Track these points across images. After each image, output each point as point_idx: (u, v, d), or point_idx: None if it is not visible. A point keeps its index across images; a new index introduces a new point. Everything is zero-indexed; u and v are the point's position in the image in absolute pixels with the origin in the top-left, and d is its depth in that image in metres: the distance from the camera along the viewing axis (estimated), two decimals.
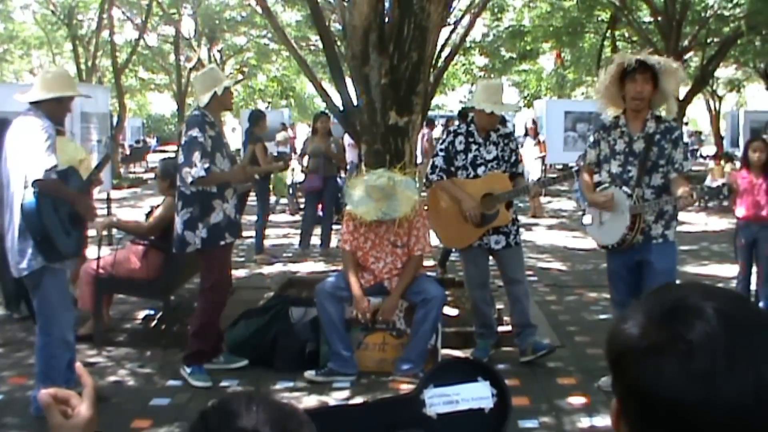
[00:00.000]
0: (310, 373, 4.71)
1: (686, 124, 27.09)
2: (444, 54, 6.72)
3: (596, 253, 9.03)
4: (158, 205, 5.64)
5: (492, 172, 4.91)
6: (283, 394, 4.47)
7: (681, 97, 15.56)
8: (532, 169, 12.74)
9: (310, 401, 4.37)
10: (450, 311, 5.66)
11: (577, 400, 4.35)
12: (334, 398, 4.44)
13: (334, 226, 8.92)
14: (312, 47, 24.13)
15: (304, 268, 8.36)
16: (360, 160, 6.14)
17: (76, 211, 4.02)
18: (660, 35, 17.03)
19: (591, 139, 4.61)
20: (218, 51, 30.08)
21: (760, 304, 5.65)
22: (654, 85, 4.18)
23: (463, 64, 28.97)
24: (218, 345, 4.96)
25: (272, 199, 10.98)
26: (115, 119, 18.47)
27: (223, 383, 4.67)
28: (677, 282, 1.72)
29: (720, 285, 0.91)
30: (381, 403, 3.80)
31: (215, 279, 4.72)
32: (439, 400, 3.10)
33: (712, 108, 28.27)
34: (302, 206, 10.92)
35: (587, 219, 4.54)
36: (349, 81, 6.23)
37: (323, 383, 4.64)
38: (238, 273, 7.58)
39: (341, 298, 4.78)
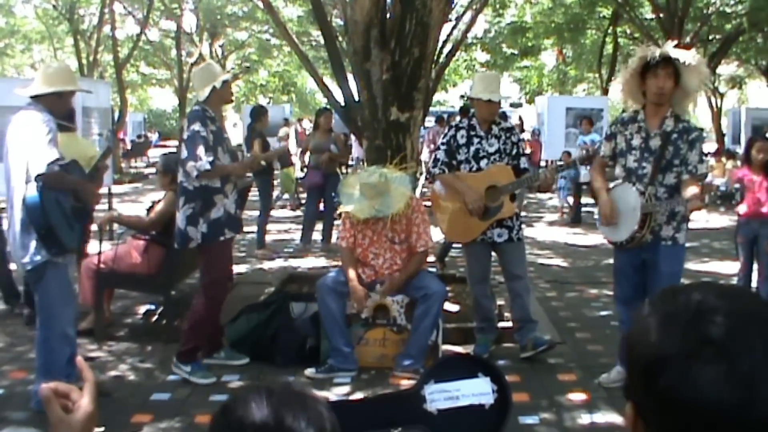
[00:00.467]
0: (310, 371, 4.72)
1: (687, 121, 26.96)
2: (445, 50, 6.71)
3: (597, 249, 9.06)
4: (159, 200, 5.64)
5: (495, 164, 4.90)
6: None
7: None
8: None
9: None
10: (451, 307, 5.67)
11: (577, 397, 4.35)
12: (335, 393, 4.44)
13: (336, 222, 8.93)
14: (313, 43, 24.14)
15: (305, 263, 8.37)
16: None
17: (78, 205, 4.03)
18: (662, 32, 16.97)
19: (607, 132, 4.58)
20: (220, 46, 30.07)
21: None
22: (676, 82, 4.10)
23: (465, 60, 28.94)
24: (218, 340, 4.97)
25: (275, 193, 10.97)
26: (116, 114, 18.47)
27: (224, 378, 4.68)
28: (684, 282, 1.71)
29: (721, 282, 0.91)
30: (381, 399, 3.80)
31: (215, 274, 4.71)
32: (440, 396, 3.10)
33: (714, 105, 28.22)
34: (303, 202, 10.93)
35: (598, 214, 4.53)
36: (350, 76, 6.22)
37: (323, 379, 4.65)
38: (239, 268, 7.59)
39: (342, 294, 4.78)
